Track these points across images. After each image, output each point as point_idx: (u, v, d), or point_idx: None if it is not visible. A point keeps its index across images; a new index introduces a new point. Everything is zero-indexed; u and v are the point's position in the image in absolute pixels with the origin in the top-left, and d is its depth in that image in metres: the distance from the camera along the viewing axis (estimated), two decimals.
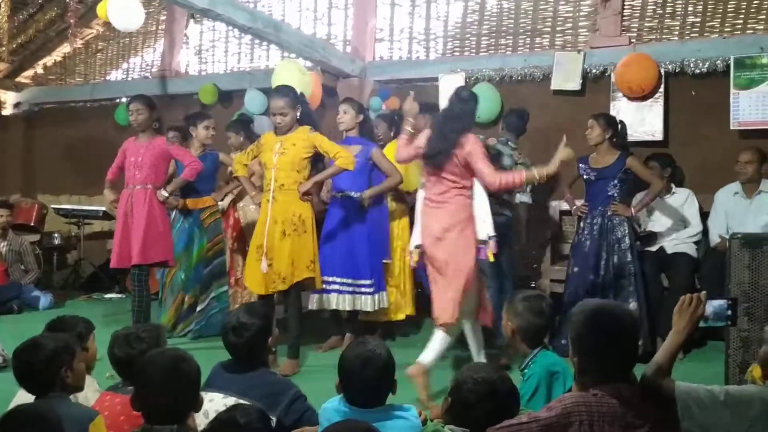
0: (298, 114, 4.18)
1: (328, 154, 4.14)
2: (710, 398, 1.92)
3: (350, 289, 4.53)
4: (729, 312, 2.08)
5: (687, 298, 2.01)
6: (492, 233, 3.82)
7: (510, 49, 6.17)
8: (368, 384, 2.18)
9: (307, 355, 4.38)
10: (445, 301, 3.60)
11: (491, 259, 3.80)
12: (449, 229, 3.64)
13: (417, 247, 3.80)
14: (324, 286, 4.46)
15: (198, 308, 5.00)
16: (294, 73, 5.35)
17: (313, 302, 4.56)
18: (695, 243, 4.85)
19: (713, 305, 2.06)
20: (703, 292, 2.06)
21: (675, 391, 1.92)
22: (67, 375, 2.23)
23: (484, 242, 3.77)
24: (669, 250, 4.79)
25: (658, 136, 5.33)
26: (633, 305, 4.35)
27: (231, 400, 2.36)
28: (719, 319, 2.08)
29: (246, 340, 2.57)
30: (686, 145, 5.27)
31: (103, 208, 6.70)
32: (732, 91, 5.08)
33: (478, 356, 3.78)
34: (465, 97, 3.88)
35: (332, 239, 4.52)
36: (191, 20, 7.59)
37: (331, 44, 6.73)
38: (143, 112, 4.65)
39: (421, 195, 3.86)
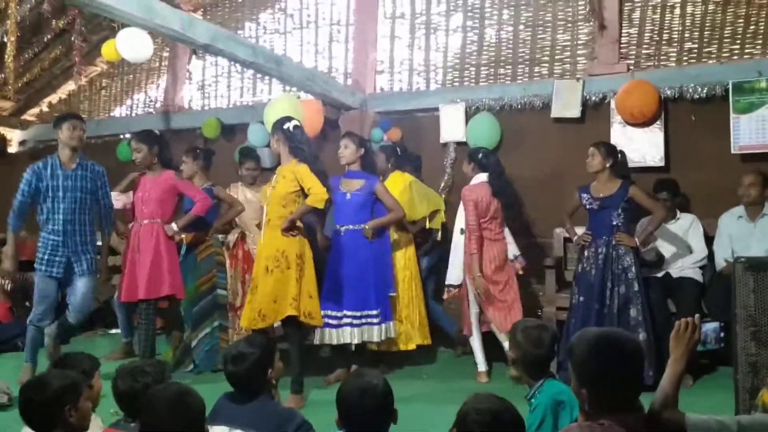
0: (277, 142, 4.22)
1: (304, 187, 4.10)
2: (722, 429, 1.89)
3: (360, 321, 4.51)
4: (722, 334, 2.07)
5: (682, 323, 2.01)
6: (518, 252, 4.96)
7: (509, 78, 6.22)
8: (367, 415, 2.16)
9: (311, 390, 4.34)
10: (516, 312, 4.65)
11: (521, 272, 4.95)
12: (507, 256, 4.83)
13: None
14: (333, 321, 4.44)
15: (192, 344, 4.96)
16: (284, 107, 5.44)
17: (316, 337, 4.52)
18: (701, 268, 4.83)
19: (707, 328, 2.05)
20: (696, 316, 2.05)
21: (685, 423, 1.89)
22: (71, 414, 2.22)
23: (513, 260, 4.92)
24: (674, 275, 4.78)
25: (659, 161, 5.34)
26: (642, 336, 4.31)
27: None
28: (714, 342, 2.07)
29: (245, 369, 2.56)
30: (688, 170, 5.28)
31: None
32: (732, 115, 5.10)
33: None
34: (495, 162, 4.95)
35: (337, 273, 4.51)
36: (193, 56, 7.70)
37: (332, 77, 6.80)
38: (140, 149, 4.73)
39: (462, 237, 4.86)
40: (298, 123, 4.31)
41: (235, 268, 5.27)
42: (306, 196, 4.13)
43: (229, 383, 2.64)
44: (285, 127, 4.23)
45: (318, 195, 4.05)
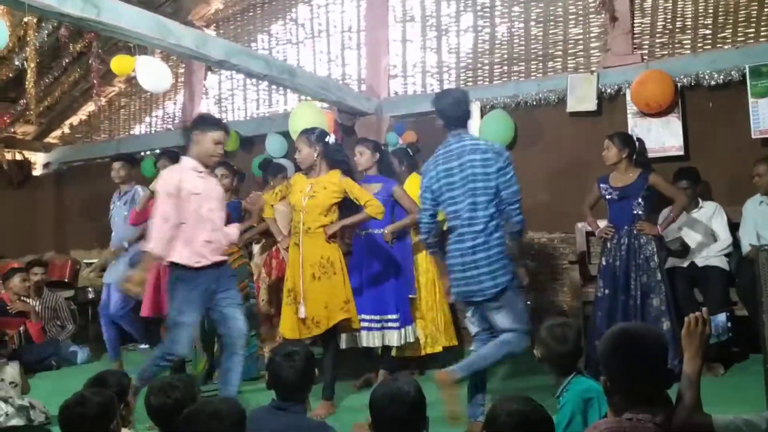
0: (316, 153, 4.21)
1: (359, 200, 4.16)
2: (751, 427, 1.87)
3: (379, 325, 4.53)
4: (729, 324, 2.04)
5: (692, 319, 1.98)
6: None
7: (523, 75, 6.21)
8: (398, 422, 2.17)
9: (341, 395, 4.37)
10: None
11: None
12: None
13: None
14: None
15: None
16: (309, 116, 5.46)
17: (342, 341, 4.56)
18: (726, 256, 4.78)
19: (716, 321, 2.03)
20: (704, 309, 2.03)
21: (713, 426, 1.87)
22: (118, 430, 2.26)
23: None
24: (700, 264, 4.73)
25: (679, 150, 5.31)
26: (666, 325, 4.28)
27: None
28: (723, 334, 2.05)
29: (299, 367, 2.59)
30: (708, 157, 5.23)
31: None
32: (750, 100, 5.05)
33: None
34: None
35: (358, 277, 4.53)
36: (209, 72, 7.80)
37: (346, 84, 6.85)
38: (167, 167, 4.77)
39: None
40: (335, 137, 4.40)
41: (269, 276, 5.32)
42: (344, 206, 4.22)
43: (275, 386, 2.64)
44: (326, 140, 4.28)
45: (378, 207, 4.15)
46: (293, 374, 2.58)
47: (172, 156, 4.92)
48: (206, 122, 3.91)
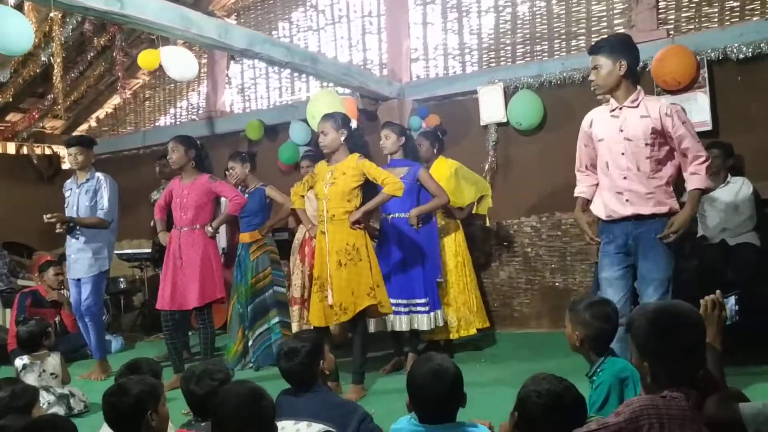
0: (343, 138, 4.21)
1: (377, 180, 4.15)
2: None
3: (406, 309, 4.55)
4: (736, 307, 1.99)
5: (709, 302, 1.93)
6: None
7: (546, 54, 6.14)
8: (440, 398, 2.18)
9: (371, 380, 4.41)
10: None
11: None
12: None
13: None
14: None
15: (250, 342, 5.06)
16: (328, 102, 5.47)
17: (371, 325, 4.59)
18: (756, 231, 4.69)
19: (728, 302, 1.97)
20: (718, 292, 1.98)
21: (742, 416, 1.85)
22: (153, 418, 2.29)
23: None
24: (731, 242, 4.65)
25: (708, 126, 5.21)
26: None
27: (302, 425, 2.39)
28: (733, 317, 1.99)
29: (297, 364, 2.63)
30: (738, 132, 5.14)
31: None
32: None
33: None
34: None
35: (385, 261, 4.54)
36: (231, 61, 7.83)
37: (368, 69, 6.83)
38: (177, 150, 4.67)
39: None
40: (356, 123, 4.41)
41: (303, 262, 5.36)
42: (367, 189, 4.21)
43: (284, 379, 2.71)
44: (351, 125, 4.29)
45: (396, 184, 4.12)
46: (296, 369, 2.64)
47: (184, 139, 4.83)
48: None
